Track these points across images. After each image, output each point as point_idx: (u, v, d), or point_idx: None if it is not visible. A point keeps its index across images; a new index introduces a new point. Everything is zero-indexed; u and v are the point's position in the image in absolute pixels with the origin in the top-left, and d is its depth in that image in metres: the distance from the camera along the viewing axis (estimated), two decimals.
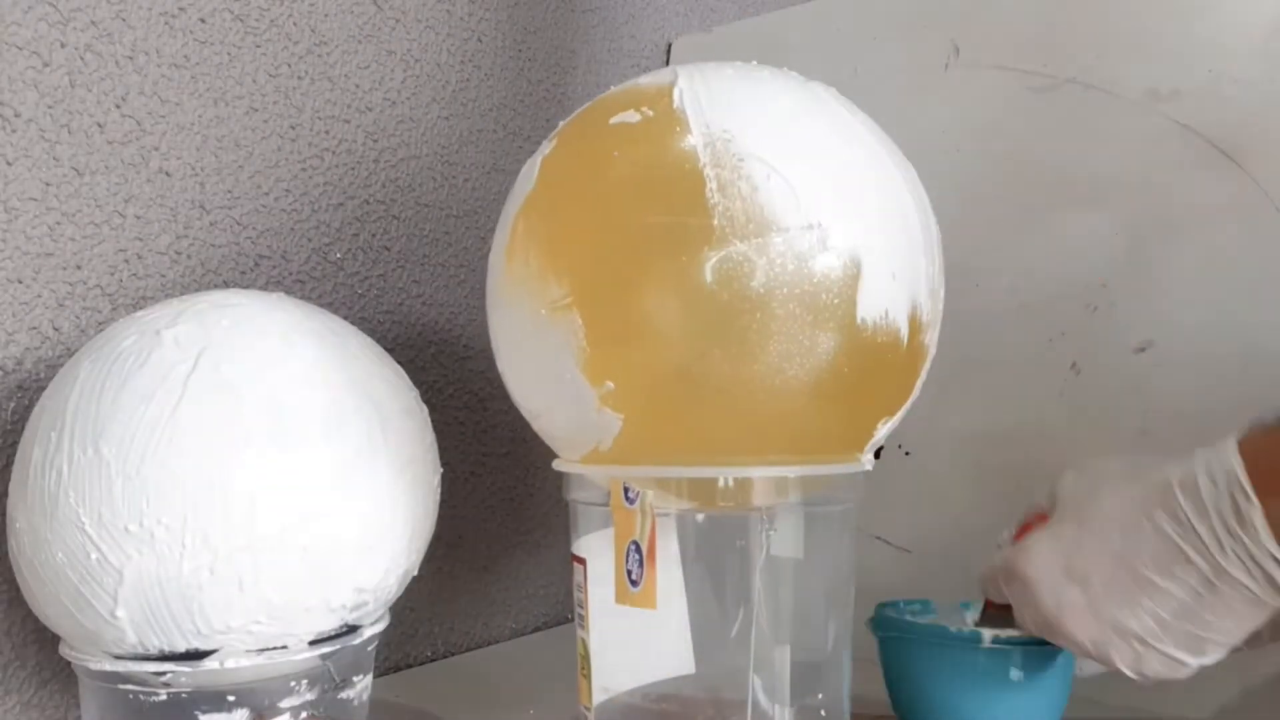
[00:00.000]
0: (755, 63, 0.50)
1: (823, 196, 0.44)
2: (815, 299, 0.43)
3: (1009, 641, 0.54)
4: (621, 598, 0.47)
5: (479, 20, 0.81)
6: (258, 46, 0.65)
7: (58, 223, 0.56)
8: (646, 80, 0.48)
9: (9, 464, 0.48)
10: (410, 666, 0.74)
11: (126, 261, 0.59)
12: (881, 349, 0.45)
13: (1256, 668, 0.60)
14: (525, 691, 0.66)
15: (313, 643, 0.46)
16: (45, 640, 0.54)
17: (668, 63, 0.98)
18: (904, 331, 0.46)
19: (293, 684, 0.46)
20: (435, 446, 0.53)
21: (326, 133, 0.70)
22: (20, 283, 0.54)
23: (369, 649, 0.51)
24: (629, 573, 0.47)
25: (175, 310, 0.47)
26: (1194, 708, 0.61)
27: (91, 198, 0.57)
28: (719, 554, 0.51)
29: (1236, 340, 0.63)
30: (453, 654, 0.77)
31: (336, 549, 0.46)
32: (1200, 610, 0.44)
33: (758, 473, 0.46)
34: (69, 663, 0.47)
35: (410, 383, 0.53)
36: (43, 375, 0.54)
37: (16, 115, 0.54)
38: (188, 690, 0.45)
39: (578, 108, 0.51)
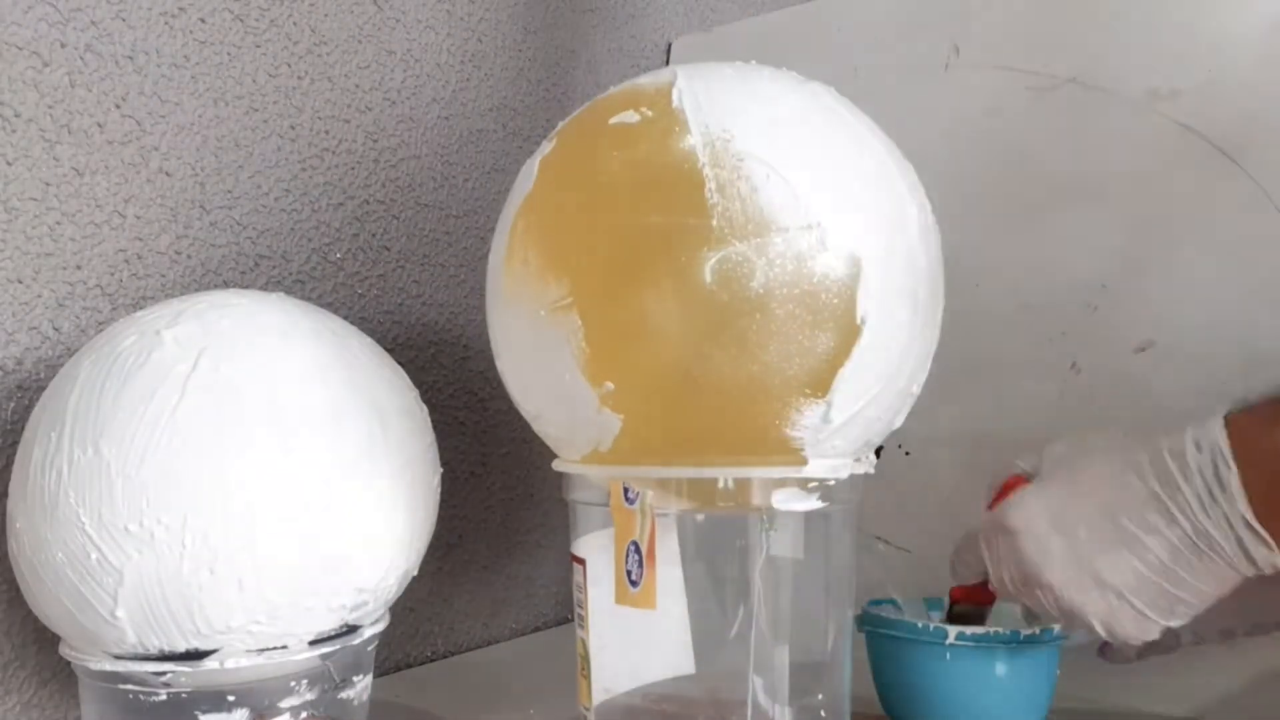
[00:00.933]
0: (755, 63, 0.50)
1: (822, 196, 0.44)
2: (815, 299, 0.43)
3: (975, 638, 0.54)
4: (621, 598, 0.47)
5: (479, 20, 0.81)
6: (258, 46, 0.65)
7: (58, 223, 0.56)
8: (646, 80, 0.48)
9: (9, 464, 0.48)
10: (410, 666, 0.74)
11: (126, 261, 0.59)
12: None
13: (1242, 667, 0.61)
14: (525, 691, 0.66)
15: (313, 643, 0.46)
16: (45, 640, 0.54)
17: (668, 63, 0.98)
18: None
19: (293, 684, 0.46)
20: (435, 446, 0.53)
21: (326, 133, 0.70)
22: (20, 283, 0.54)
23: (369, 649, 0.51)
24: (628, 573, 0.47)
25: (175, 310, 0.47)
26: (1183, 705, 0.61)
27: (91, 198, 0.57)
28: (719, 554, 0.51)
29: (1236, 340, 0.63)
30: (453, 654, 0.77)
31: (336, 549, 0.46)
32: (1177, 568, 0.46)
33: (758, 473, 0.46)
34: (69, 663, 0.47)
35: (410, 383, 0.53)
36: (43, 375, 0.54)
37: (16, 115, 0.54)
38: (188, 690, 0.45)
39: (578, 108, 0.51)
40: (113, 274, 0.58)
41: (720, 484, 0.47)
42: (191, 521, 0.42)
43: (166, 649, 0.44)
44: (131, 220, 0.59)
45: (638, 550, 0.46)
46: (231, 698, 0.45)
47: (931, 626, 0.55)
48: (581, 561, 0.51)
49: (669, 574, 0.50)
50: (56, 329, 0.55)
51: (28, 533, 0.44)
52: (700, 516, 0.50)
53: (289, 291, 0.65)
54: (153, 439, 0.43)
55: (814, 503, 0.47)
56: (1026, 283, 0.71)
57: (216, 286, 0.62)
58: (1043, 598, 0.49)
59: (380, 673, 0.67)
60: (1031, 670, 0.55)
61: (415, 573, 0.52)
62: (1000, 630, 0.55)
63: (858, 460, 0.48)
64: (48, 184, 0.55)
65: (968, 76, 0.74)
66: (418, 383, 0.54)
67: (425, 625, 0.76)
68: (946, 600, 0.59)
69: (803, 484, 0.47)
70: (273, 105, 0.66)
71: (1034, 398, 0.70)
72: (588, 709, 0.51)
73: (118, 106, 0.58)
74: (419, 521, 0.51)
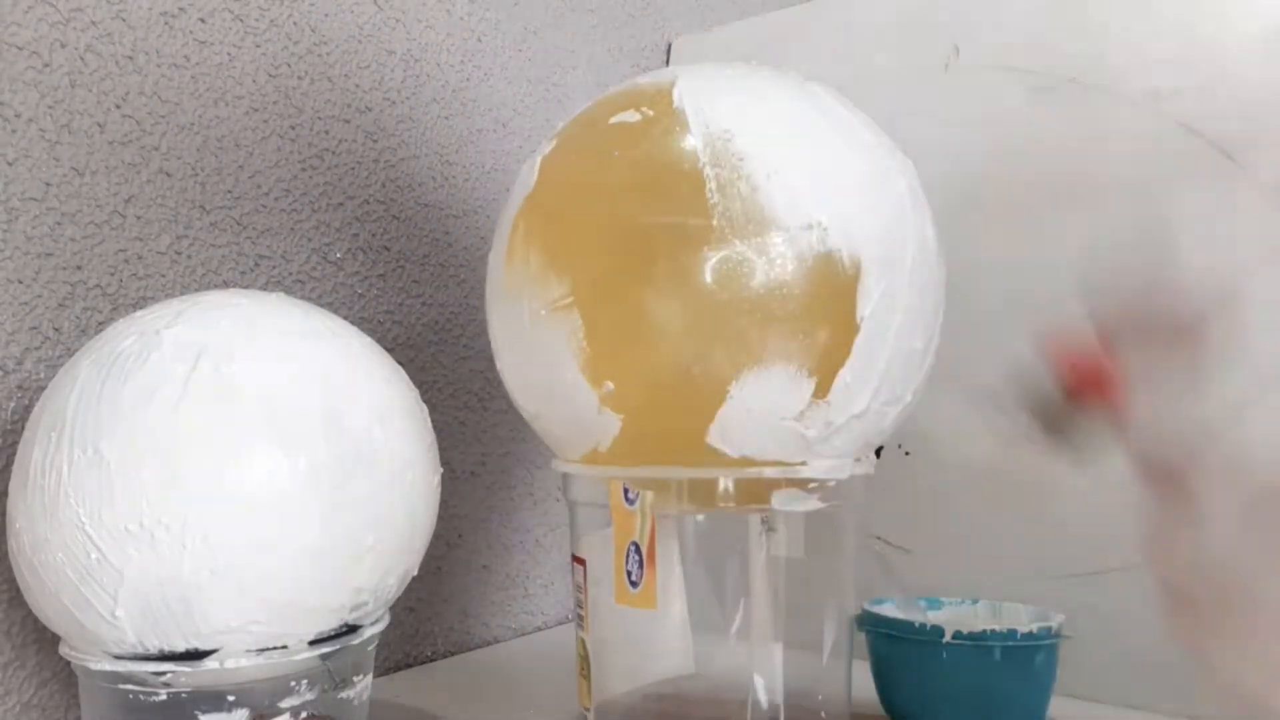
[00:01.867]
0: (754, 63, 0.50)
1: (822, 196, 0.44)
2: (815, 299, 0.43)
3: (972, 637, 0.54)
4: (621, 598, 0.47)
5: (479, 20, 0.81)
6: (258, 46, 0.65)
7: (58, 223, 0.56)
8: (646, 80, 0.48)
9: (9, 464, 0.48)
10: (410, 666, 0.74)
11: (126, 261, 0.59)
12: None
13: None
14: (525, 691, 0.66)
15: (312, 643, 0.46)
16: (45, 640, 0.54)
17: (668, 63, 0.98)
18: None
19: (292, 684, 0.46)
20: (435, 446, 0.53)
21: (326, 133, 0.70)
22: (20, 283, 0.54)
23: (369, 649, 0.51)
24: (628, 573, 0.47)
25: (175, 310, 0.47)
26: (1183, 704, 0.61)
27: (91, 198, 0.57)
28: (719, 554, 0.51)
29: None
30: (453, 654, 0.77)
31: (336, 549, 0.46)
32: None
33: (756, 474, 0.46)
34: (69, 663, 0.47)
35: (410, 383, 0.53)
36: (43, 375, 0.54)
37: (16, 115, 0.54)
38: (188, 690, 0.45)
39: (578, 108, 0.51)
40: (113, 274, 0.58)
41: (720, 485, 0.47)
42: (191, 521, 0.42)
43: (166, 649, 0.44)
44: (131, 220, 0.59)
45: (638, 551, 0.46)
46: (231, 698, 0.45)
47: (929, 625, 0.56)
48: (582, 562, 0.51)
49: (669, 574, 0.50)
50: (56, 329, 0.55)
51: (28, 533, 0.44)
52: (700, 517, 0.50)
53: (289, 291, 0.65)
54: (153, 439, 0.43)
55: (814, 503, 0.47)
56: (1026, 283, 0.71)
57: (216, 286, 0.62)
58: None
59: (380, 673, 0.67)
60: (1030, 669, 0.55)
61: (415, 573, 0.52)
62: (998, 629, 0.55)
63: (858, 460, 0.48)
64: (48, 184, 0.55)
65: (968, 76, 0.74)
66: (418, 383, 0.54)
67: (425, 625, 0.76)
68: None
69: (802, 484, 0.47)
70: (273, 105, 0.66)
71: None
72: (588, 710, 0.51)
73: (118, 106, 0.58)
74: (419, 521, 0.51)
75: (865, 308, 0.44)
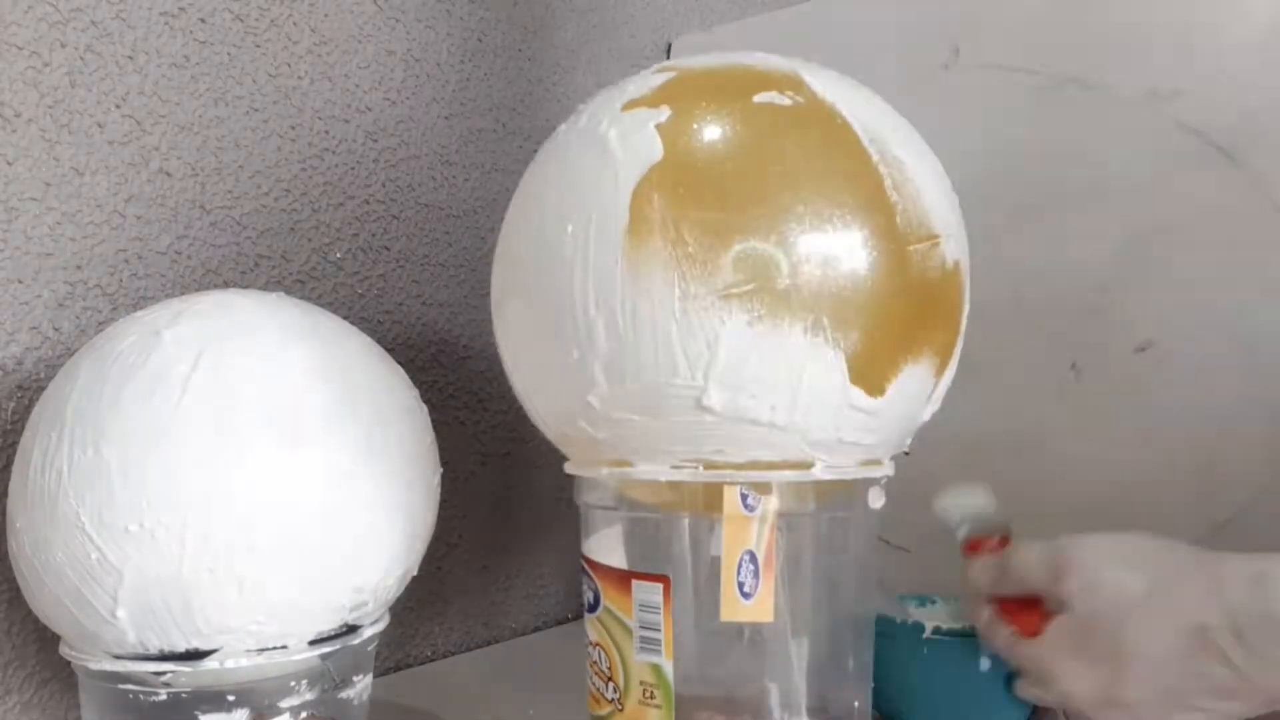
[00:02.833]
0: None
1: (947, 207, 0.47)
2: (952, 305, 0.47)
3: (953, 632, 0.54)
4: (731, 613, 0.45)
5: (479, 20, 0.81)
6: (258, 46, 0.65)
7: (58, 223, 0.56)
8: (755, 61, 0.48)
9: (9, 464, 0.48)
10: (410, 666, 0.74)
11: (126, 261, 0.59)
12: None
13: None
14: (525, 691, 0.66)
15: (312, 643, 0.46)
16: (45, 640, 0.54)
17: None
18: None
19: (293, 684, 0.46)
20: (435, 446, 0.53)
21: (326, 133, 0.70)
22: (20, 283, 0.54)
23: (369, 649, 0.51)
24: (740, 584, 0.45)
25: (175, 310, 0.47)
26: None
27: (91, 198, 0.57)
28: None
29: (1236, 340, 0.63)
30: (453, 654, 0.77)
31: (336, 549, 0.46)
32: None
33: (777, 477, 0.46)
34: (69, 663, 0.47)
35: (410, 383, 0.53)
36: (43, 375, 0.54)
37: (16, 115, 0.54)
38: (188, 690, 0.45)
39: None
40: (113, 274, 0.58)
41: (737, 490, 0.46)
42: (191, 521, 0.42)
43: (166, 649, 0.44)
44: (131, 220, 0.59)
45: (753, 560, 0.45)
46: (231, 697, 0.45)
47: (910, 621, 0.56)
48: (662, 579, 0.48)
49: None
50: (56, 329, 0.55)
51: (28, 533, 0.44)
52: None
53: (289, 291, 0.65)
54: (153, 439, 0.43)
55: (829, 502, 0.48)
56: (1026, 283, 0.71)
57: (216, 286, 0.62)
58: None
59: (380, 673, 0.67)
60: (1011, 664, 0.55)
61: (415, 573, 0.52)
62: (949, 625, 0.55)
63: (872, 462, 0.48)
64: (48, 184, 0.55)
65: (968, 76, 0.74)
66: (418, 383, 0.54)
67: (425, 625, 0.76)
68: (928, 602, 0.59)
69: (875, 482, 0.48)
70: (273, 105, 0.66)
71: (1034, 398, 0.70)
72: None
73: (118, 106, 0.58)
74: (419, 521, 0.51)
75: (964, 313, 0.48)
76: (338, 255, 0.70)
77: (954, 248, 0.47)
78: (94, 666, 0.45)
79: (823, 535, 0.49)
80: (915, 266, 0.45)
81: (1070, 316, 0.69)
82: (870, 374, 0.44)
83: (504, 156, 0.82)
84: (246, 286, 0.63)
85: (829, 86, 0.46)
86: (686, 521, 0.48)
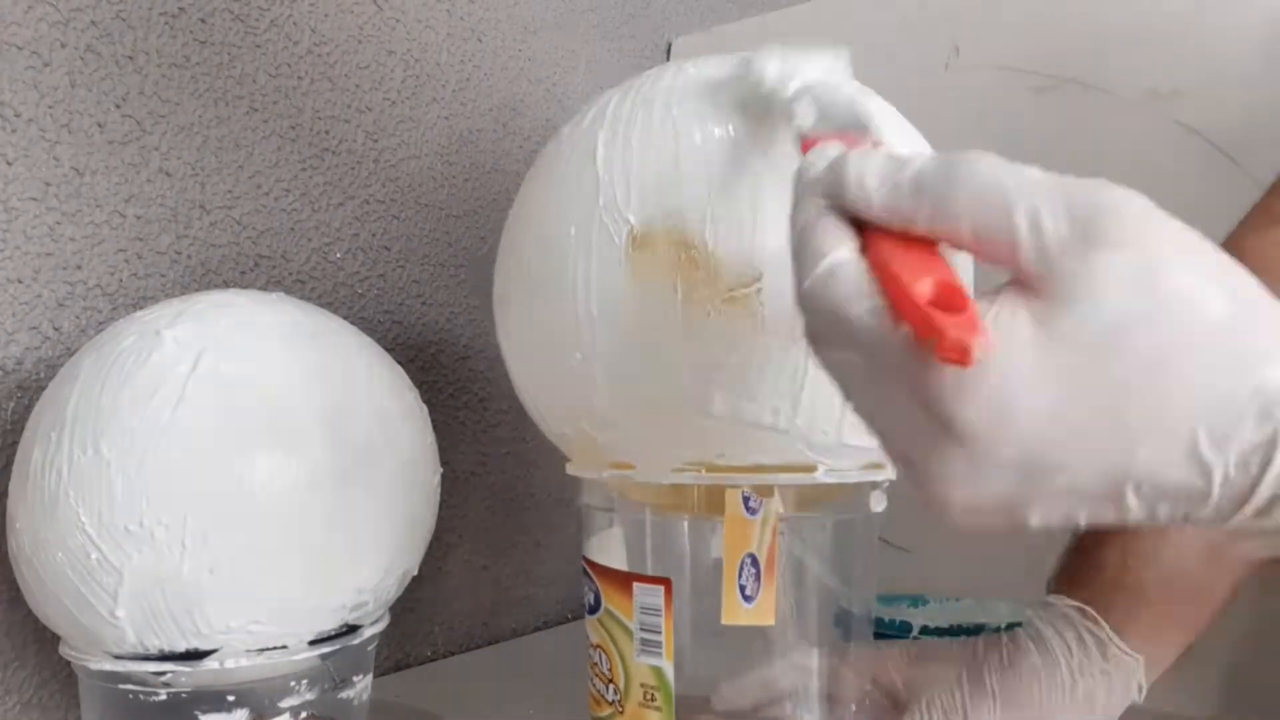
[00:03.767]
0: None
1: None
2: None
3: (940, 631, 0.55)
4: (732, 615, 0.45)
5: (479, 20, 0.81)
6: (258, 46, 0.65)
7: (58, 223, 0.56)
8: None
9: (9, 464, 0.48)
10: (410, 666, 0.74)
11: (126, 261, 0.59)
12: None
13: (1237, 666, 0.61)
14: (525, 691, 0.66)
15: (312, 643, 0.46)
16: (45, 640, 0.54)
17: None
18: None
19: (292, 684, 0.46)
20: (435, 446, 0.53)
21: (326, 133, 0.70)
22: (20, 283, 0.54)
23: (369, 649, 0.51)
24: (742, 588, 0.44)
25: (175, 310, 0.47)
26: (1181, 699, 0.61)
27: (91, 198, 0.57)
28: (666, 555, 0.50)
29: None
30: (453, 654, 0.77)
31: (336, 549, 0.46)
32: None
33: (779, 480, 0.46)
34: (69, 663, 0.47)
35: (410, 383, 0.53)
36: (43, 375, 0.54)
37: (16, 115, 0.54)
38: (188, 690, 0.45)
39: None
40: (113, 274, 0.58)
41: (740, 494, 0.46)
42: (191, 521, 0.42)
43: (166, 649, 0.44)
44: (131, 220, 0.59)
45: (755, 563, 0.44)
46: (231, 698, 0.45)
47: (898, 621, 0.56)
48: (664, 582, 0.47)
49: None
50: (56, 329, 0.55)
51: (28, 533, 0.44)
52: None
53: (289, 291, 0.65)
54: (153, 439, 0.43)
55: (832, 505, 0.47)
56: None
57: (216, 286, 0.62)
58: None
59: (380, 673, 0.67)
60: None
61: (415, 573, 0.52)
62: (965, 623, 0.55)
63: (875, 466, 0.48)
64: (48, 184, 0.55)
65: (968, 76, 0.74)
66: (418, 383, 0.54)
67: (425, 625, 0.76)
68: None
69: (877, 485, 0.48)
70: (273, 105, 0.66)
71: None
72: None
73: (118, 106, 0.58)
74: (419, 521, 0.51)
75: None
76: (338, 255, 0.70)
77: None
78: (94, 666, 0.45)
79: (827, 538, 0.49)
80: None
81: None
82: None
83: (504, 156, 0.82)
84: (246, 286, 0.63)
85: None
86: (688, 524, 0.48)
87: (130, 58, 0.59)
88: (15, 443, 0.48)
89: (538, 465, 0.84)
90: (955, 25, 0.75)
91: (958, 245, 0.28)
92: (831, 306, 0.28)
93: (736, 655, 0.49)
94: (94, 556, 0.42)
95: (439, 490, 0.53)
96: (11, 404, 0.54)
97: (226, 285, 0.63)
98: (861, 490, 0.48)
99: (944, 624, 0.55)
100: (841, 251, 0.29)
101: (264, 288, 0.64)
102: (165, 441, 0.43)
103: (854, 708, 0.50)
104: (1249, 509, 0.27)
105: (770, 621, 0.45)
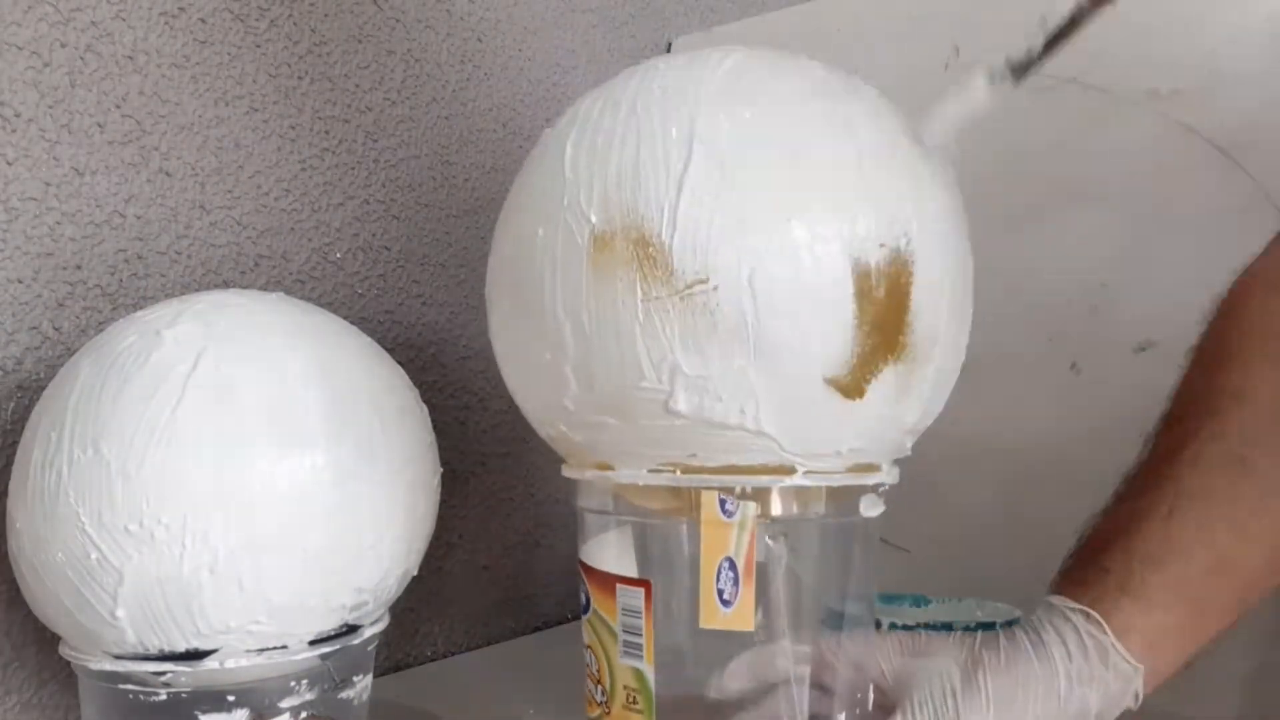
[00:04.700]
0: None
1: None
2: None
3: (906, 628, 0.55)
4: (710, 619, 0.44)
5: (479, 20, 0.81)
6: (258, 46, 0.65)
7: (58, 223, 0.56)
8: None
9: (9, 464, 0.48)
10: (410, 666, 0.74)
11: (126, 261, 0.59)
12: None
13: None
14: (525, 691, 0.66)
15: (313, 643, 0.46)
16: (45, 640, 0.54)
17: None
18: None
19: (292, 684, 0.46)
20: (435, 446, 0.53)
21: (326, 133, 0.70)
22: (20, 283, 0.54)
23: (369, 649, 0.51)
24: (719, 592, 0.44)
25: (175, 310, 0.47)
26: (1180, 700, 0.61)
27: (91, 198, 0.57)
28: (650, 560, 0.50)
29: None
30: (453, 654, 0.77)
31: (336, 549, 0.46)
32: None
33: (753, 482, 0.46)
34: (69, 663, 0.47)
35: (410, 383, 0.53)
36: (43, 375, 0.54)
37: (16, 115, 0.54)
38: (188, 690, 0.45)
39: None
40: (113, 274, 0.58)
41: (736, 492, 0.46)
42: (191, 521, 0.42)
43: (166, 649, 0.44)
44: (131, 220, 0.59)
45: (733, 567, 0.44)
46: (231, 698, 0.45)
47: (899, 625, 0.56)
48: (644, 584, 0.47)
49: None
50: (56, 329, 0.55)
51: (28, 533, 0.44)
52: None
53: (289, 291, 0.65)
54: (153, 439, 0.43)
55: (818, 508, 0.47)
56: (1026, 283, 0.71)
57: (216, 286, 0.62)
58: None
59: (380, 673, 0.67)
60: None
61: (415, 573, 0.52)
62: (933, 621, 0.55)
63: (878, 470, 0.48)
64: (48, 184, 0.55)
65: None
66: (418, 383, 0.54)
67: (425, 625, 0.76)
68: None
69: (874, 489, 0.47)
70: (273, 105, 0.66)
71: (1034, 398, 0.70)
72: None
73: (118, 106, 0.58)
74: (419, 521, 0.51)
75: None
76: (338, 255, 0.70)
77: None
78: (94, 666, 0.45)
79: (821, 541, 0.49)
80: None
81: (1070, 316, 0.69)
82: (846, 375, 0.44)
83: (504, 156, 0.82)
84: (246, 286, 0.63)
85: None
86: (671, 527, 0.48)
87: (130, 58, 0.59)
88: (15, 443, 0.48)
89: (538, 465, 0.84)
90: (955, 25, 0.75)
91: None
92: None
93: (729, 659, 0.49)
94: (94, 556, 0.42)
95: (439, 490, 0.53)
96: (11, 404, 0.54)
97: (226, 285, 0.63)
98: (857, 493, 0.48)
99: (912, 623, 0.55)
100: None
101: (264, 288, 0.64)
102: (165, 441, 0.43)
103: (842, 699, 0.49)
104: None
105: (749, 626, 0.45)
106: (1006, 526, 0.70)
